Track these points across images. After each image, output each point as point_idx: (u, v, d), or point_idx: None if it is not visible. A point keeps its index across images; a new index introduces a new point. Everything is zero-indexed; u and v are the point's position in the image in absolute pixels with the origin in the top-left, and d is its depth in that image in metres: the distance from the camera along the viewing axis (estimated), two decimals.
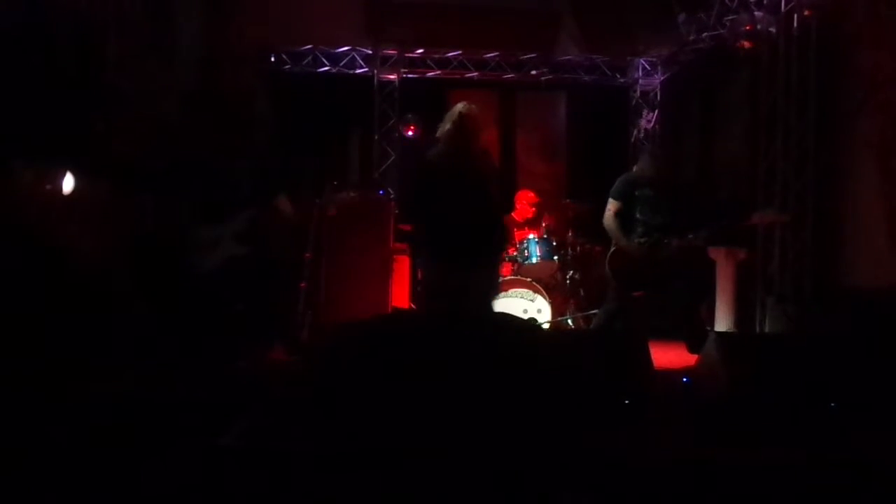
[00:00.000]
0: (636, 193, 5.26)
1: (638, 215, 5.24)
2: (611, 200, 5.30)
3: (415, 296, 6.56)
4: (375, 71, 8.02)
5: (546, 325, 5.96)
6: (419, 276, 5.73)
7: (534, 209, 6.87)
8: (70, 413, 3.14)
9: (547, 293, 6.12)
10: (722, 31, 6.60)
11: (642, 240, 5.20)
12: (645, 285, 5.20)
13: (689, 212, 5.35)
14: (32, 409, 3.08)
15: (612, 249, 5.29)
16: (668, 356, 5.02)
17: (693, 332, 5.15)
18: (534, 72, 8.22)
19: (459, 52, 8.04)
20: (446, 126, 4.34)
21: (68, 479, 2.65)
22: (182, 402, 3.37)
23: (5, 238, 3.74)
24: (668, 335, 5.71)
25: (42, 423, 3.01)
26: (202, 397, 3.47)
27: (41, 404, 3.15)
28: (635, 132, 8.59)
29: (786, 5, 6.00)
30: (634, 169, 5.56)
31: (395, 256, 6.34)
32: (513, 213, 6.94)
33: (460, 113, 4.31)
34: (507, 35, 7.75)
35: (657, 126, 8.48)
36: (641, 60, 8.35)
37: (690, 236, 5.14)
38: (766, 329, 5.91)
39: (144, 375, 3.76)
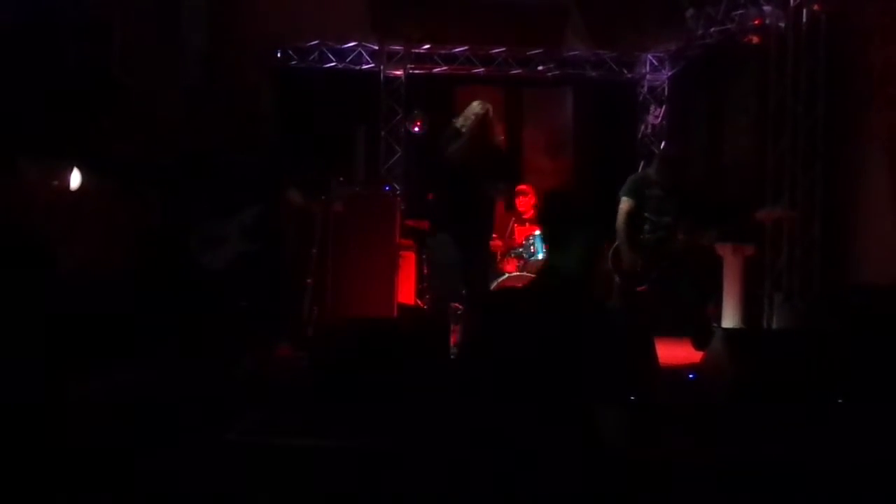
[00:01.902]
0: (646, 193, 5.25)
1: (646, 214, 5.24)
2: (624, 199, 5.27)
3: (421, 292, 6.56)
4: (382, 67, 8.02)
5: None
6: (425, 270, 5.75)
7: (532, 209, 6.88)
8: (74, 410, 3.16)
9: None
10: (730, 25, 6.57)
11: (648, 236, 5.19)
12: (647, 281, 5.20)
13: (697, 209, 5.34)
14: (38, 407, 3.09)
15: (615, 246, 5.29)
16: (674, 353, 5.01)
17: (699, 328, 5.14)
18: (540, 67, 8.19)
19: (466, 47, 8.03)
20: (468, 122, 4.82)
21: (74, 477, 2.66)
22: (189, 398, 3.38)
23: (12, 234, 3.75)
24: (674, 332, 5.70)
25: (48, 420, 3.02)
26: (209, 393, 3.47)
27: (47, 402, 3.16)
28: (643, 128, 8.56)
29: (794, 0, 5.97)
30: (646, 170, 5.52)
31: (401, 252, 6.34)
32: (518, 207, 6.94)
33: (486, 113, 4.81)
34: (513, 30, 7.73)
35: (665, 121, 8.45)
36: (649, 55, 8.32)
37: (698, 235, 5.12)
38: (774, 325, 5.89)
39: (151, 372, 3.77)
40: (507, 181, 5.22)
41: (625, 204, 5.24)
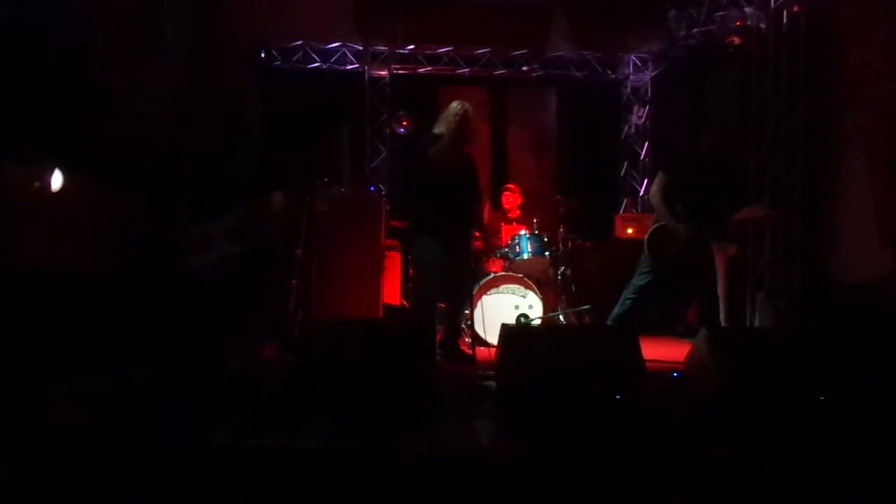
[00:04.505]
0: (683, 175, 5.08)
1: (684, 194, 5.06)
2: (659, 175, 5.17)
3: (406, 292, 6.56)
4: (366, 67, 8.03)
5: (537, 321, 5.97)
6: (411, 273, 5.75)
7: (518, 209, 6.90)
8: (60, 411, 3.14)
9: (538, 289, 6.13)
10: (712, 27, 6.64)
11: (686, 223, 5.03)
12: (681, 267, 5.08)
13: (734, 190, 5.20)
14: (24, 408, 3.07)
15: (655, 228, 5.12)
16: (658, 351, 5.04)
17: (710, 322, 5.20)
18: (525, 68, 8.24)
19: (450, 48, 8.05)
20: (449, 124, 4.81)
21: (59, 478, 2.65)
22: (173, 399, 3.37)
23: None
24: (657, 330, 5.74)
25: (33, 421, 3.00)
26: (194, 395, 3.46)
27: (33, 403, 3.14)
28: (626, 128, 8.62)
29: (775, 2, 6.03)
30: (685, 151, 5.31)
31: (386, 253, 6.33)
32: (504, 205, 6.96)
33: (465, 112, 4.81)
34: (498, 31, 7.76)
35: (648, 122, 8.52)
36: (632, 56, 8.38)
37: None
38: (756, 324, 5.94)
39: (135, 373, 3.76)
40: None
41: (660, 180, 5.12)
